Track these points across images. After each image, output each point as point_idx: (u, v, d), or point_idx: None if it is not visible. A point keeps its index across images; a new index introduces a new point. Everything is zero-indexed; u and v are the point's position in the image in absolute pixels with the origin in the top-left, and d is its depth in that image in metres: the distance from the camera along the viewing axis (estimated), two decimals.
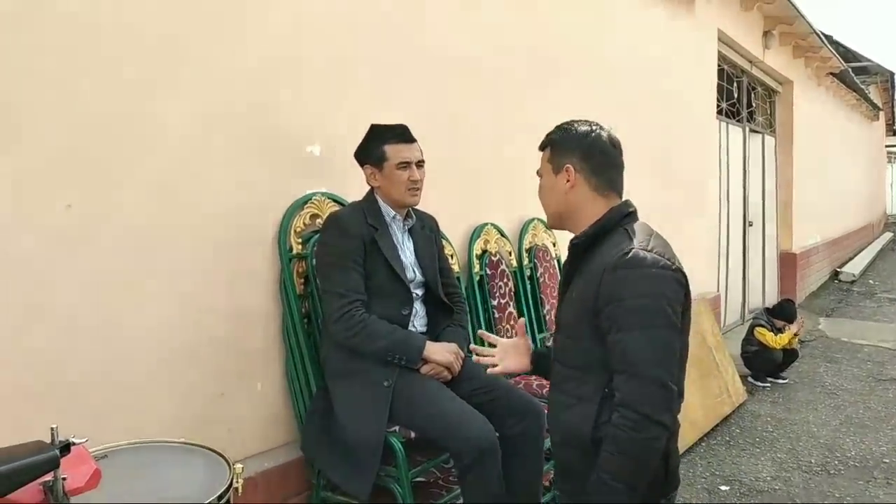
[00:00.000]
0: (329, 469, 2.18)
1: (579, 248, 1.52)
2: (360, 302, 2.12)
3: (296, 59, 2.39)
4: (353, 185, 2.40)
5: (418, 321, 2.32)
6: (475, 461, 2.03)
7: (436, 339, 2.27)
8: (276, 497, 2.28)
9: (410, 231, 2.34)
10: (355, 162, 2.30)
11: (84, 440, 1.31)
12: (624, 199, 1.56)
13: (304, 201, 2.41)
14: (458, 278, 2.71)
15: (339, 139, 2.47)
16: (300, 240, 2.37)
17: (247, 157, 2.24)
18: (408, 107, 2.72)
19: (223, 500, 1.47)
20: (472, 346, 1.78)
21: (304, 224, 2.39)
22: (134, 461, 1.60)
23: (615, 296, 1.38)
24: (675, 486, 1.52)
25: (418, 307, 2.32)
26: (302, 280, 2.37)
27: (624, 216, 1.50)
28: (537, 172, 1.61)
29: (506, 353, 1.74)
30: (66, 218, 1.80)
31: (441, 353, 2.20)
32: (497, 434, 2.09)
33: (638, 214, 1.54)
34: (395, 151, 2.22)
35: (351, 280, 2.13)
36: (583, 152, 1.52)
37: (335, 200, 2.50)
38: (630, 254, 1.39)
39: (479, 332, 1.80)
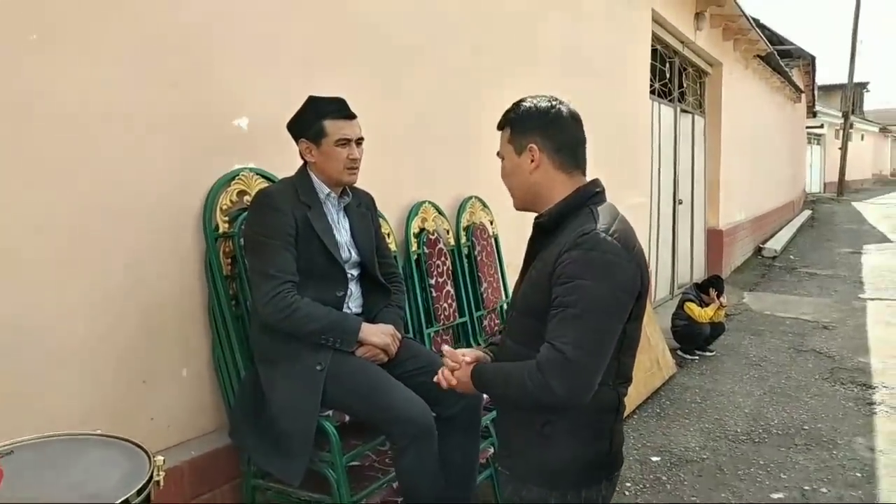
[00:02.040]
0: (260, 456, 2.10)
1: (543, 227, 1.48)
2: (291, 283, 2.03)
3: (224, 27, 2.26)
4: (284, 160, 2.30)
5: (353, 303, 2.25)
6: (411, 443, 2.00)
7: (372, 320, 2.21)
8: (205, 486, 2.19)
9: (346, 209, 2.26)
10: (286, 136, 2.19)
11: None
12: (592, 178, 1.51)
13: (231, 177, 2.29)
14: (395, 257, 2.65)
15: (269, 112, 2.35)
16: (227, 218, 2.26)
17: (168, 130, 2.11)
18: (342, 79, 2.62)
19: (142, 495, 1.38)
20: (446, 348, 1.61)
21: (231, 201, 2.28)
22: (43, 457, 1.48)
23: (567, 274, 1.35)
24: (619, 466, 1.54)
25: (353, 288, 2.25)
26: (229, 260, 2.26)
27: (590, 196, 1.46)
28: (498, 154, 1.55)
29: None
30: None
31: (377, 335, 2.14)
32: (435, 414, 2.06)
33: (605, 195, 1.50)
34: (335, 128, 2.12)
35: (282, 260, 2.03)
36: (545, 129, 1.47)
37: (264, 177, 2.39)
38: (589, 234, 1.36)
39: (446, 349, 1.60)
